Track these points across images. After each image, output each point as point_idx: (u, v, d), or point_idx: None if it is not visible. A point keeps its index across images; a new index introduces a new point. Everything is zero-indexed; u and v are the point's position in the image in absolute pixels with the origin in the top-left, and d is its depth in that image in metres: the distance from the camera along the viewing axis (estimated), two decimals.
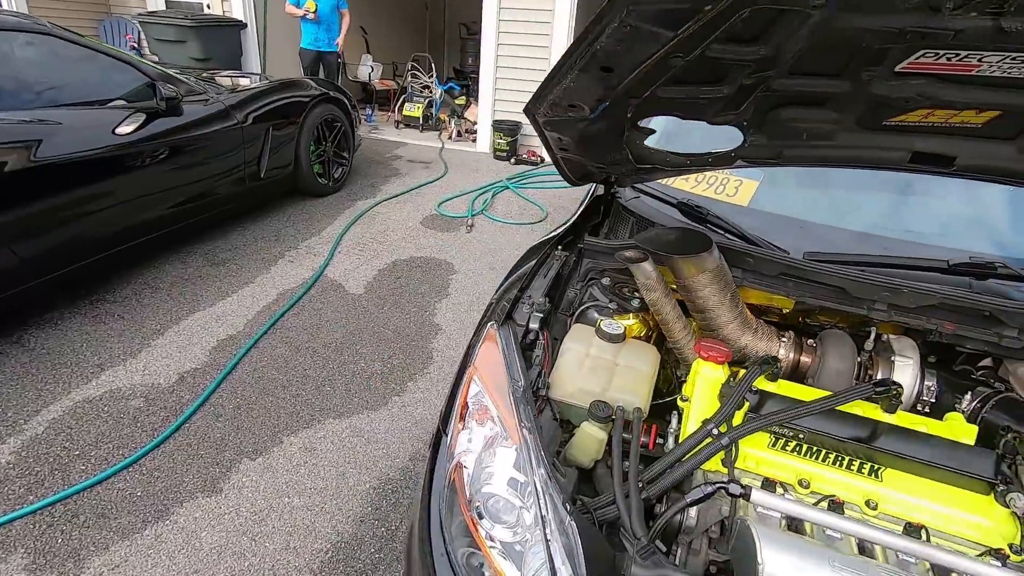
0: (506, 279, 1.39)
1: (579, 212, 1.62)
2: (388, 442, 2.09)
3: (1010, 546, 0.89)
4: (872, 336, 1.22)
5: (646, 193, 1.55)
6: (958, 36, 0.75)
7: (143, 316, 2.72)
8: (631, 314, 1.32)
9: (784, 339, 1.26)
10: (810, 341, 1.25)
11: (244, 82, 3.96)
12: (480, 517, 0.91)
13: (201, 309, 2.82)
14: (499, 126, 5.81)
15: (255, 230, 3.76)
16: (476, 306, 3.02)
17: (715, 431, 0.96)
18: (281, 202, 4.22)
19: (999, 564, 0.82)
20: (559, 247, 1.46)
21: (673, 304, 1.23)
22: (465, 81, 7.85)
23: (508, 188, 4.96)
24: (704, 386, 1.08)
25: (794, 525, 0.91)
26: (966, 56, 0.79)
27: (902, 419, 1.04)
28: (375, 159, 5.65)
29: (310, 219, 4.05)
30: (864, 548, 0.88)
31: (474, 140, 6.54)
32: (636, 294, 1.34)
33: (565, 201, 4.65)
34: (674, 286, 1.29)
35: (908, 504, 0.94)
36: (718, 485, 0.90)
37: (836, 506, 0.92)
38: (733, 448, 0.96)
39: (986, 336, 1.14)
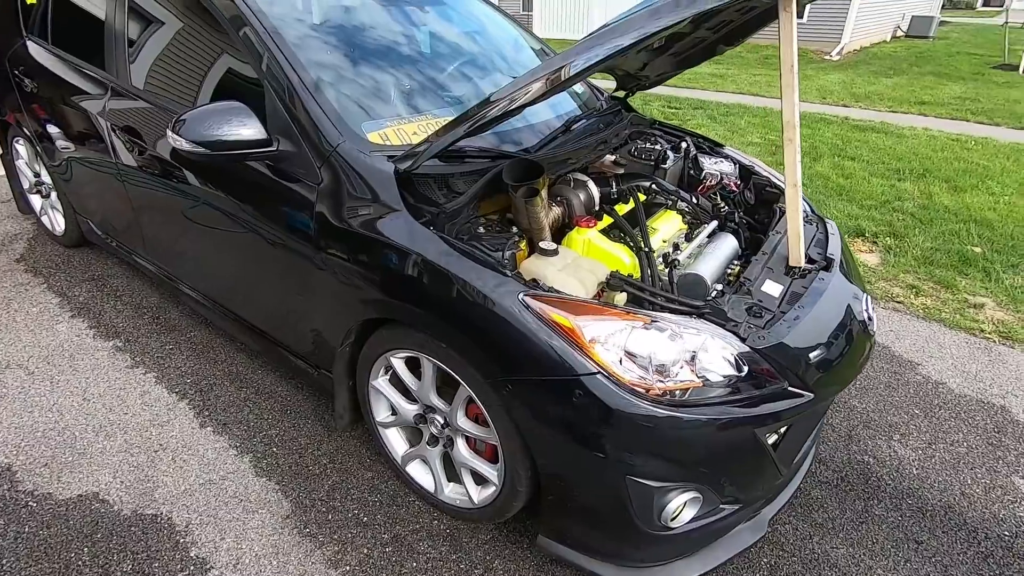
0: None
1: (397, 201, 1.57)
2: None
3: None
4: (572, 180, 2.05)
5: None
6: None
7: None
8: (522, 238, 1.65)
9: (554, 204, 1.92)
10: (558, 198, 1.96)
11: None
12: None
13: None
14: None
15: None
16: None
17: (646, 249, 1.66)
18: None
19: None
20: (431, 228, 1.51)
21: (545, 211, 1.67)
22: None
23: None
24: (597, 240, 1.69)
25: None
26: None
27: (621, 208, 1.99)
28: None
29: None
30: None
31: None
32: (507, 219, 1.68)
33: None
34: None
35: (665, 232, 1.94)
36: (671, 261, 1.66)
37: (675, 247, 1.83)
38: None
39: (598, 153, 2.15)
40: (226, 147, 1.64)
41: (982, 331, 3.01)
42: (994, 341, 2.94)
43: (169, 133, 1.62)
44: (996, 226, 4.15)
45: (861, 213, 4.36)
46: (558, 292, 1.42)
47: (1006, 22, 13.40)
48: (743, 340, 1.41)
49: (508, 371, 1.38)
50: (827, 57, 13.05)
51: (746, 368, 1.41)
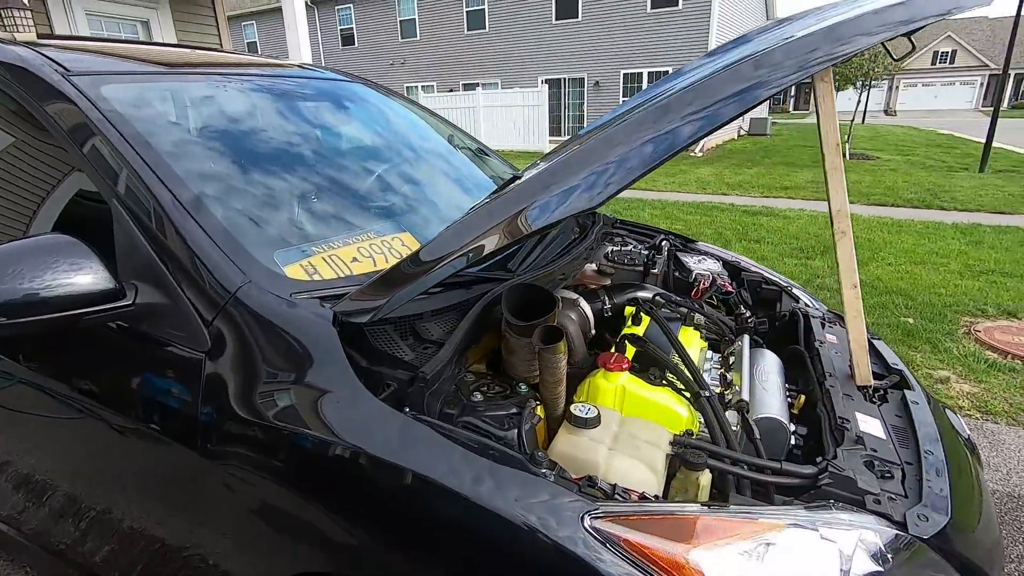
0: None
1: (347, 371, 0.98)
2: None
3: None
4: (560, 297, 1.58)
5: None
6: None
7: None
8: (535, 400, 1.10)
9: None
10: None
11: None
12: None
13: None
14: None
15: None
16: None
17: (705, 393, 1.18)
18: None
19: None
20: (405, 409, 0.93)
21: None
22: None
23: None
24: (635, 388, 1.20)
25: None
26: None
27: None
28: None
29: None
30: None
31: None
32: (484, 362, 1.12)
33: None
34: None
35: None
36: (737, 403, 1.19)
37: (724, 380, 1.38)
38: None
39: (582, 264, 1.71)
40: (47, 308, 0.99)
41: (961, 408, 2.86)
42: (978, 418, 2.79)
43: None
44: (913, 295, 4.28)
45: None
46: (626, 493, 0.89)
47: None
48: (903, 527, 0.95)
49: None
50: (692, 153, 14.49)
51: (891, 557, 0.94)
